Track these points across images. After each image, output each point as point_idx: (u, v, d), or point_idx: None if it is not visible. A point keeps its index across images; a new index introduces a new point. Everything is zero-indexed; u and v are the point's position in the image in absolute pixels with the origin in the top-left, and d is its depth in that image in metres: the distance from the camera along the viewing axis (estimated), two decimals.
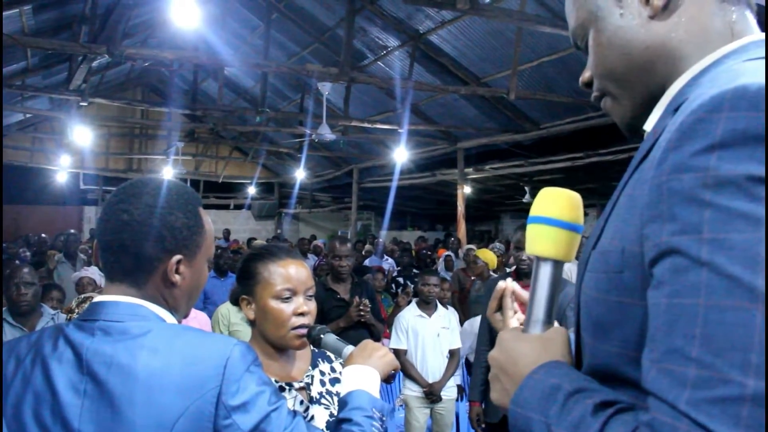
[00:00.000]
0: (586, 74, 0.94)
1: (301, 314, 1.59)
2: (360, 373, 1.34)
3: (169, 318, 1.17)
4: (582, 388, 0.73)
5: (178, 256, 1.15)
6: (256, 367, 1.10)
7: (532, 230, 0.92)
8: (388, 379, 1.42)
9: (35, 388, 1.07)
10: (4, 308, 3.66)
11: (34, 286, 3.61)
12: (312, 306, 1.63)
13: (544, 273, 0.91)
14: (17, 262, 6.78)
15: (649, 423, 0.62)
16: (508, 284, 1.11)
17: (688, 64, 0.81)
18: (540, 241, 0.91)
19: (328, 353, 1.78)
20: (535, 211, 0.93)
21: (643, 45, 0.84)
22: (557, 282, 0.92)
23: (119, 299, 1.13)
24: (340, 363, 1.79)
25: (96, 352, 1.06)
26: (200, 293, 1.28)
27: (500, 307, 1.11)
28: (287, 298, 1.59)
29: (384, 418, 1.28)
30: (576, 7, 0.93)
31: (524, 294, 1.16)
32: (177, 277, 1.16)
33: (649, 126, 0.85)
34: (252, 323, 1.65)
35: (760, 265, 0.58)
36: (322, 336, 1.57)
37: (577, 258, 0.98)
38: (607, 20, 0.87)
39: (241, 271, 1.68)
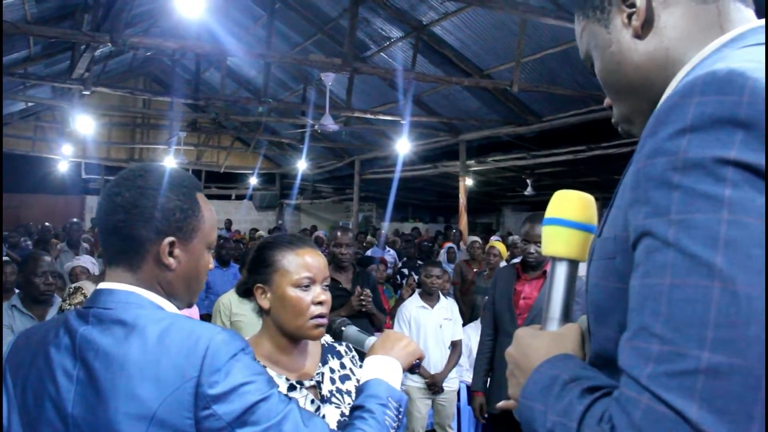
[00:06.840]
0: (607, 99, 0.97)
1: (320, 303, 1.57)
2: (380, 363, 1.33)
3: (168, 306, 1.15)
4: (577, 377, 0.75)
5: (170, 239, 1.14)
6: (244, 355, 1.06)
7: (547, 231, 0.96)
8: (411, 369, 1.41)
9: (38, 373, 1.10)
10: (15, 294, 3.67)
11: (60, 278, 3.59)
12: (328, 296, 1.60)
13: (560, 272, 0.95)
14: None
15: (617, 398, 0.65)
16: None
17: (682, 64, 0.83)
18: (555, 241, 0.95)
19: (338, 349, 1.76)
20: (550, 213, 0.96)
21: (634, 65, 0.87)
22: (572, 281, 0.95)
23: (115, 287, 1.13)
24: (351, 359, 1.78)
25: (86, 339, 1.07)
26: (203, 281, 1.25)
27: None
28: (306, 287, 1.56)
29: (401, 409, 1.27)
30: (580, 36, 0.96)
31: None
32: (171, 260, 1.15)
33: None
34: (266, 312, 1.61)
35: (719, 243, 0.60)
36: (343, 328, 1.56)
37: None
38: (602, 46, 0.91)
39: (256, 260, 1.63)
